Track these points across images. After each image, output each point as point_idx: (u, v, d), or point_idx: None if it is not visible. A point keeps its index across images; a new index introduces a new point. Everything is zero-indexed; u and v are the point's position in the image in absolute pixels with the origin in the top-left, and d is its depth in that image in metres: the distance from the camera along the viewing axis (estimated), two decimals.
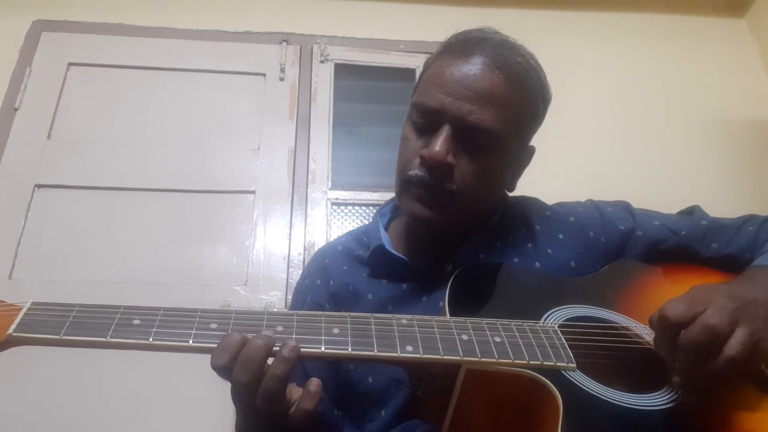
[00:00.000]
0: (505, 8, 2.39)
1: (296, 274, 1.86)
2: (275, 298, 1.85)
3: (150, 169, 1.99)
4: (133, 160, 2.00)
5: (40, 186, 1.93)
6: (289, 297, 1.83)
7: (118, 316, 0.63)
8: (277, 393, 0.61)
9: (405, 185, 0.85)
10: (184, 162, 2.02)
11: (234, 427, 0.73)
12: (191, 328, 0.63)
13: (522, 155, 0.91)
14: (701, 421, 0.66)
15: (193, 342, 0.62)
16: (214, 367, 0.61)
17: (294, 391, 0.65)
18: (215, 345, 0.62)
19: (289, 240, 1.94)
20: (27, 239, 1.85)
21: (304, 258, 1.91)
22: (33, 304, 0.64)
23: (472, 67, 0.82)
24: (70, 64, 2.13)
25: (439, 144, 0.80)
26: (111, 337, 0.61)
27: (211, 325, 0.64)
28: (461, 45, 0.86)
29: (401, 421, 0.79)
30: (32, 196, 1.91)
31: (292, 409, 0.64)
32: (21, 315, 0.62)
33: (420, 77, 0.91)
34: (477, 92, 0.81)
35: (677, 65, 2.36)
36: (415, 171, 0.82)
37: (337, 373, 0.86)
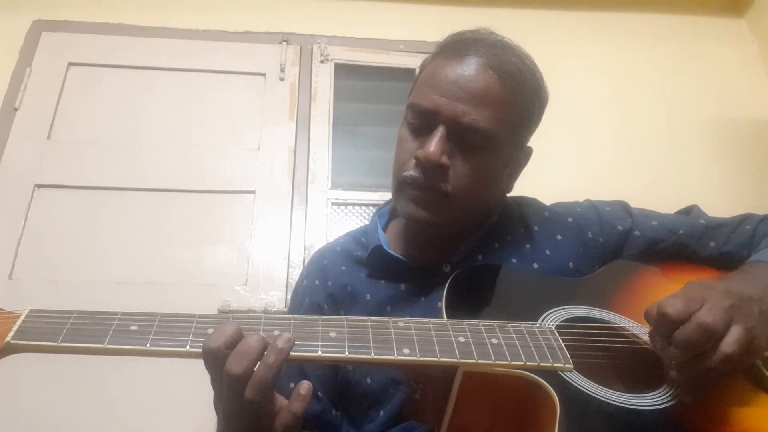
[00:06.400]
0: (505, 8, 2.38)
1: (296, 274, 1.86)
2: (275, 298, 1.85)
3: (150, 169, 1.99)
4: (133, 160, 1.99)
5: (40, 186, 1.93)
6: (290, 297, 1.83)
7: (116, 322, 0.63)
8: (268, 384, 0.60)
9: (400, 186, 0.85)
10: (184, 162, 2.01)
11: None
12: (188, 334, 0.63)
13: (519, 156, 0.91)
14: (698, 419, 0.66)
15: (190, 347, 0.62)
16: (208, 350, 0.60)
17: (281, 400, 0.64)
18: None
19: (289, 240, 1.94)
20: (27, 239, 1.85)
21: (303, 258, 1.91)
22: (31, 311, 0.64)
23: (467, 68, 0.82)
24: (70, 64, 2.13)
25: (434, 145, 0.80)
26: (108, 344, 0.61)
27: (208, 330, 0.63)
28: (456, 46, 0.86)
29: (399, 422, 0.79)
30: (32, 196, 1.91)
31: (281, 412, 0.63)
32: (19, 322, 0.62)
33: (416, 79, 0.90)
34: (471, 93, 0.80)
35: (677, 65, 2.36)
36: (410, 172, 0.83)
37: (336, 373, 0.86)
